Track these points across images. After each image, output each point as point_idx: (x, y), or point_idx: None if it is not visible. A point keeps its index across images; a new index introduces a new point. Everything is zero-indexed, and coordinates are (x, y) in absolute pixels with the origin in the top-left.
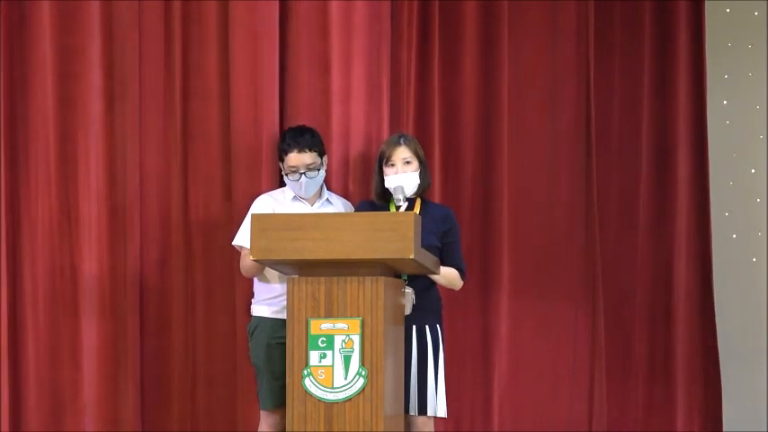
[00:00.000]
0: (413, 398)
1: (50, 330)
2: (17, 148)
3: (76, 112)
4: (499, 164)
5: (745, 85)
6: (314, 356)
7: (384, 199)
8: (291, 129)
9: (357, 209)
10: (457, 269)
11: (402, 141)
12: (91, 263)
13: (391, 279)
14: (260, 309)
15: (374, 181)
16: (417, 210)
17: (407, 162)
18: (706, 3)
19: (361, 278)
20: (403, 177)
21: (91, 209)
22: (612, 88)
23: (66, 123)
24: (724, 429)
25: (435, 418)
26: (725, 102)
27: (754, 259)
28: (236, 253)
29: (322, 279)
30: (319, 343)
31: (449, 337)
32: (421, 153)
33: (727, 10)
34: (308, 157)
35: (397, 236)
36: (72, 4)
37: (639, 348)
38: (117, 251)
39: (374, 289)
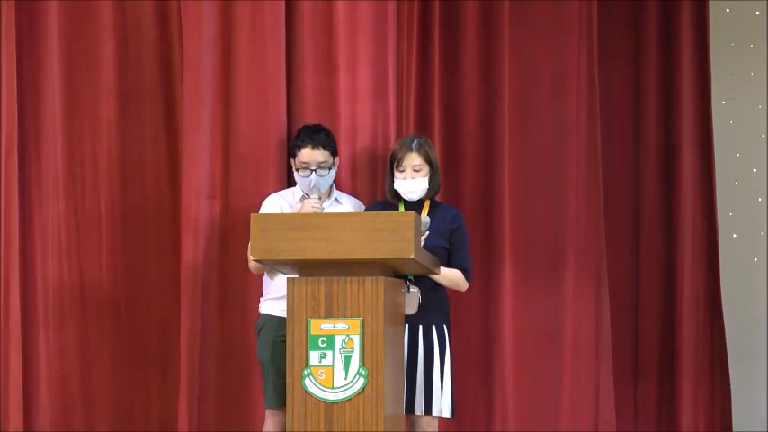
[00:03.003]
0: (419, 398)
1: (61, 330)
2: (29, 150)
3: (84, 115)
4: (500, 163)
5: (747, 84)
6: (314, 356)
7: (397, 197)
8: (307, 126)
9: (369, 210)
10: (462, 270)
11: (414, 147)
12: (100, 263)
13: (391, 279)
14: (268, 307)
15: (386, 180)
16: (426, 212)
17: (417, 170)
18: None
19: (361, 278)
20: (411, 184)
21: (100, 210)
22: (617, 87)
23: (74, 125)
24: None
25: (440, 418)
26: (725, 102)
27: (756, 259)
28: (238, 252)
29: (322, 279)
30: (319, 343)
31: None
32: (433, 157)
33: (727, 10)
34: (320, 155)
35: (397, 236)
36: (82, 5)
37: (646, 348)
38: (125, 251)
39: (374, 289)
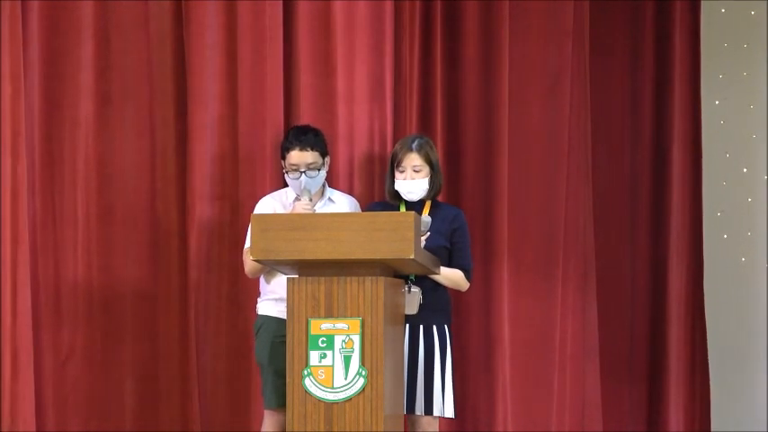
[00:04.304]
0: (419, 398)
1: (36, 331)
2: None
3: (63, 113)
4: (499, 163)
5: (739, 84)
6: (314, 356)
7: (398, 198)
8: (296, 127)
9: (368, 210)
10: (462, 270)
11: (414, 147)
12: (75, 264)
13: (391, 279)
14: (265, 308)
15: (387, 181)
16: (427, 212)
17: (417, 171)
18: (702, 3)
19: (361, 278)
20: (411, 185)
21: (76, 210)
22: (610, 87)
23: (53, 124)
24: (712, 429)
25: (441, 418)
26: (718, 101)
27: (743, 259)
28: (238, 253)
29: (322, 279)
30: (319, 343)
31: None
32: (434, 157)
33: (723, 10)
34: (309, 156)
35: (397, 236)
36: (63, 4)
37: (639, 349)
38: (104, 253)
39: (374, 289)
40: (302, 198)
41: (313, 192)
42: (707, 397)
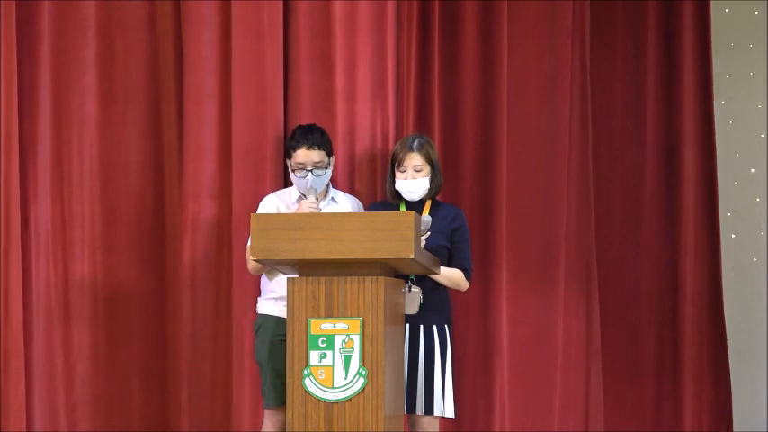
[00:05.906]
0: (420, 398)
1: (46, 331)
2: (27, 149)
3: (71, 113)
4: (498, 163)
5: (746, 84)
6: (314, 356)
7: (398, 197)
8: (301, 126)
9: (369, 209)
10: (462, 269)
11: (415, 147)
12: (83, 264)
13: (391, 279)
14: (265, 307)
15: (387, 180)
16: (427, 211)
17: (418, 170)
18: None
19: (361, 278)
20: (412, 184)
21: (84, 210)
22: (615, 87)
23: (62, 124)
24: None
25: (441, 418)
26: (725, 102)
27: (755, 259)
28: (233, 253)
29: (322, 279)
30: (319, 343)
31: None
32: (434, 157)
33: (727, 10)
34: (316, 155)
35: (396, 236)
36: (68, 5)
37: (646, 349)
38: (110, 252)
39: (374, 289)
40: (308, 197)
41: (319, 191)
42: (728, 397)
